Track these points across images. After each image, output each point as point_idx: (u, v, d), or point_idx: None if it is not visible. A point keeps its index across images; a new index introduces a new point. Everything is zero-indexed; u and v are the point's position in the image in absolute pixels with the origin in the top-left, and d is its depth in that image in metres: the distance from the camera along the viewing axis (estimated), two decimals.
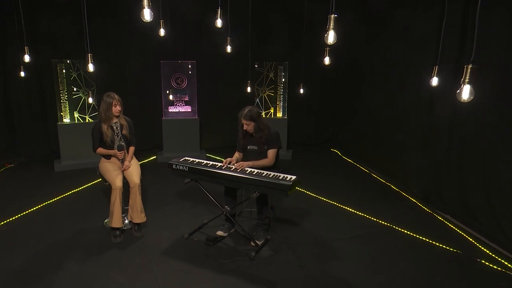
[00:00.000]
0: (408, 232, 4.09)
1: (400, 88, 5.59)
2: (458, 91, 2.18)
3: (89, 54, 3.50)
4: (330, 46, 3.23)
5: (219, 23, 4.10)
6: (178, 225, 4.19)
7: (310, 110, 8.04)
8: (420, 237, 3.97)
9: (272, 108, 7.20)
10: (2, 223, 4.18)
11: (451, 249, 3.73)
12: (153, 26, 6.37)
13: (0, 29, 6.23)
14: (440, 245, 3.81)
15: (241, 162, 3.74)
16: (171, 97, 6.79)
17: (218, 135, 7.63)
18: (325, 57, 3.61)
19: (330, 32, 2.27)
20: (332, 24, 2.23)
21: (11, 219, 4.29)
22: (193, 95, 6.90)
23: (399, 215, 4.56)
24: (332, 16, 2.21)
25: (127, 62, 6.88)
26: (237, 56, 6.01)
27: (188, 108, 6.94)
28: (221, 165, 3.72)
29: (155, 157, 6.97)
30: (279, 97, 7.17)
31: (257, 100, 7.17)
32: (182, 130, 6.85)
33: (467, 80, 2.13)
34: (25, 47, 5.05)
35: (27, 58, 5.13)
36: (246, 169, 3.60)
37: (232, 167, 3.66)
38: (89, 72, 3.93)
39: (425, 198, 4.99)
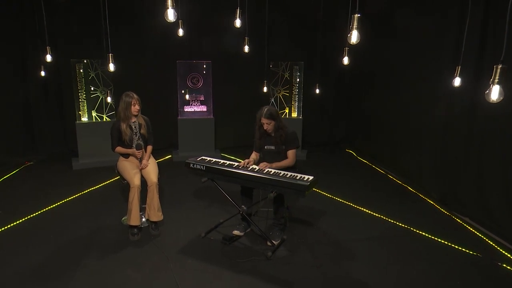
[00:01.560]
0: (426, 234, 4.04)
1: (417, 88, 5.52)
2: (487, 91, 2.13)
3: (110, 54, 3.55)
4: (349, 46, 3.22)
5: (238, 23, 4.11)
6: (194, 224, 4.22)
7: (325, 110, 8.00)
8: (438, 240, 3.92)
9: (287, 108, 7.19)
10: (22, 219, 4.27)
11: (471, 252, 3.67)
12: (170, 26, 6.47)
13: (20, 29, 6.35)
14: (459, 248, 3.75)
15: (264, 163, 3.71)
16: (187, 96, 6.83)
17: (232, 134, 7.65)
18: (344, 57, 3.59)
19: (353, 32, 2.25)
20: (355, 23, 2.22)
21: (31, 216, 4.37)
22: (209, 94, 6.93)
23: (416, 217, 4.51)
24: (356, 16, 2.19)
25: (144, 62, 6.95)
26: (253, 56, 6.01)
27: (203, 108, 6.97)
28: (238, 165, 3.73)
29: (170, 156, 7.02)
30: (294, 97, 7.16)
31: (272, 100, 7.16)
32: (197, 129, 6.90)
33: (496, 80, 2.08)
34: (47, 47, 5.14)
35: (49, 58, 5.22)
36: (264, 169, 3.60)
37: (255, 169, 3.63)
38: (109, 71, 3.97)
39: (442, 200, 4.92)
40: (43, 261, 3.42)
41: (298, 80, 7.08)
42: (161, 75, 7.07)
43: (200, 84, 6.87)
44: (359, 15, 2.18)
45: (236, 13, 4.04)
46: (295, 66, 7.03)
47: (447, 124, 4.88)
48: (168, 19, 2.27)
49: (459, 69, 3.28)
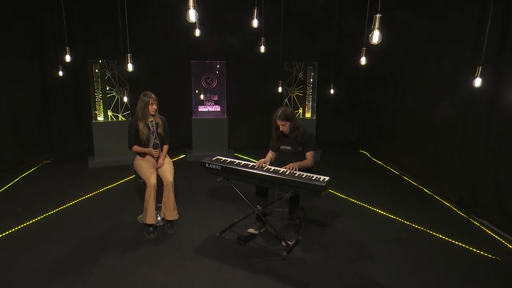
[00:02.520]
0: (442, 237, 3.98)
1: (434, 88, 5.45)
2: None
3: (129, 54, 3.59)
4: (367, 46, 3.20)
5: (255, 23, 4.11)
6: (209, 223, 4.24)
7: (338, 110, 7.96)
8: (456, 242, 3.87)
9: (301, 108, 7.18)
10: (40, 217, 4.34)
11: (489, 256, 3.61)
12: (185, 26, 6.50)
13: (39, 29, 6.46)
14: (477, 251, 3.69)
15: (290, 165, 3.64)
16: (202, 96, 6.87)
17: (246, 134, 7.67)
18: (361, 57, 3.57)
19: (375, 32, 2.23)
20: (377, 23, 2.20)
21: (49, 213, 4.45)
22: (222, 94, 6.96)
23: (433, 219, 4.45)
24: (378, 15, 2.18)
25: (158, 62, 7.01)
26: (267, 56, 6.01)
27: (217, 108, 7.00)
28: (254, 165, 3.74)
29: (184, 155, 7.07)
30: (308, 97, 7.13)
31: (286, 100, 7.15)
32: (211, 129, 6.93)
33: None
34: (66, 48, 5.21)
35: (68, 58, 5.29)
36: (279, 169, 3.60)
37: (280, 170, 3.61)
38: (128, 71, 4.02)
39: (459, 202, 4.85)
40: (62, 257, 3.48)
41: (312, 80, 7.05)
42: (175, 75, 7.12)
43: (214, 84, 6.90)
44: (381, 15, 2.16)
45: (254, 14, 4.05)
46: (309, 66, 7.00)
47: (465, 125, 4.81)
48: (189, 20, 2.29)
49: (480, 69, 3.22)
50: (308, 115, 7.18)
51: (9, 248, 3.64)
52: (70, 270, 3.28)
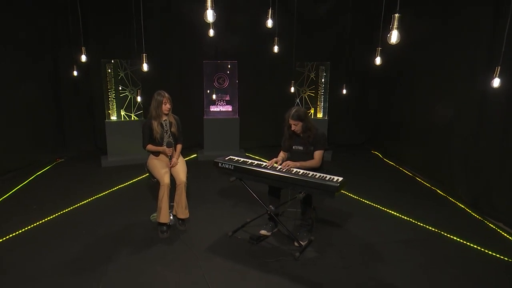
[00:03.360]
0: (457, 239, 3.94)
1: (448, 88, 5.39)
2: None
3: (144, 54, 3.62)
4: (382, 46, 3.17)
5: (269, 23, 4.11)
6: (221, 222, 4.25)
7: (350, 110, 7.92)
8: (470, 244, 3.82)
9: (313, 108, 7.15)
10: (55, 215, 4.40)
11: (505, 259, 3.55)
12: (198, 26, 6.54)
13: (53, 29, 6.55)
14: (493, 254, 3.64)
15: (287, 162, 3.73)
16: (214, 96, 6.89)
17: (257, 134, 7.67)
18: (376, 57, 3.54)
19: (393, 31, 2.22)
20: (396, 23, 2.18)
21: (63, 211, 4.51)
22: (234, 94, 6.97)
23: (447, 220, 4.40)
24: (396, 15, 2.16)
25: (171, 61, 7.05)
26: (279, 56, 6.01)
27: (229, 108, 7.02)
28: (266, 165, 3.74)
29: (195, 155, 7.10)
30: (319, 97, 7.11)
31: (297, 100, 7.14)
32: (222, 129, 6.95)
33: None
34: (82, 48, 5.27)
35: (83, 58, 5.36)
36: (292, 169, 3.60)
37: (277, 167, 3.67)
38: (143, 71, 4.05)
39: (474, 204, 4.78)
40: (77, 255, 3.52)
41: (324, 80, 7.02)
42: (187, 75, 7.16)
43: (226, 84, 6.92)
44: (399, 14, 2.15)
45: (268, 13, 4.05)
46: (321, 66, 6.98)
47: (480, 126, 4.74)
48: (207, 20, 2.30)
49: (498, 69, 3.17)
50: (319, 115, 7.15)
51: (25, 245, 3.70)
52: (85, 268, 3.31)
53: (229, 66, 6.86)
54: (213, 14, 2.29)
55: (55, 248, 3.65)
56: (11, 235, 3.86)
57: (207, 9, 2.23)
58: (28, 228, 4.04)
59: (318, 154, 3.79)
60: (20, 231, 3.96)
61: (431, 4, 5.63)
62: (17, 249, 3.62)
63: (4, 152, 5.62)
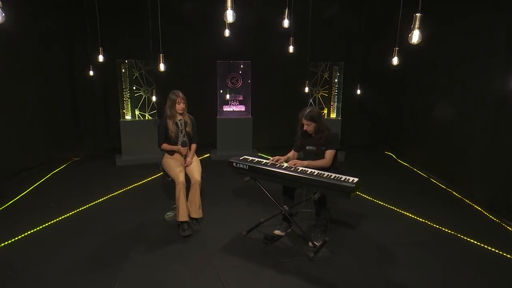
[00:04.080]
0: (474, 241, 3.88)
1: (464, 89, 5.32)
2: None
3: (161, 54, 3.65)
4: (399, 46, 3.15)
5: (286, 23, 4.11)
6: (234, 222, 4.27)
7: (364, 111, 7.87)
8: (488, 247, 3.76)
9: (326, 108, 7.13)
10: (72, 212, 4.47)
11: None
12: (212, 26, 6.58)
13: (70, 29, 6.64)
14: (511, 257, 3.58)
15: (294, 161, 3.72)
16: (228, 96, 6.92)
17: (270, 134, 7.68)
18: (393, 57, 3.51)
19: (414, 31, 2.20)
20: (417, 23, 2.16)
21: (80, 209, 4.58)
22: (247, 94, 6.99)
23: (463, 223, 4.34)
24: (418, 15, 2.14)
25: (185, 61, 7.10)
26: (292, 56, 6.00)
27: (242, 108, 7.03)
28: (281, 165, 3.74)
29: (209, 155, 7.13)
30: (333, 97, 7.08)
31: (311, 100, 7.12)
32: (235, 129, 6.97)
33: None
34: (100, 48, 5.33)
35: (101, 58, 5.43)
36: (307, 169, 3.59)
37: (284, 165, 3.65)
38: (160, 71, 4.09)
39: (490, 206, 4.71)
40: (93, 252, 3.57)
41: (337, 80, 6.99)
42: (201, 75, 7.19)
43: (240, 84, 6.94)
44: (421, 14, 2.13)
45: (285, 13, 4.05)
46: (335, 66, 6.95)
47: (497, 127, 4.67)
48: (227, 20, 2.31)
49: None
50: (333, 115, 7.13)
51: (43, 242, 3.77)
52: (102, 265, 3.36)
53: (241, 66, 6.88)
54: (233, 14, 2.30)
55: (72, 245, 3.70)
56: (29, 232, 3.93)
57: (227, 9, 2.24)
58: (45, 226, 4.11)
59: (329, 153, 3.77)
60: (37, 228, 4.03)
61: (451, 3, 5.56)
62: (34, 246, 3.68)
63: (22, 151, 5.72)
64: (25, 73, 5.75)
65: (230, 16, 2.26)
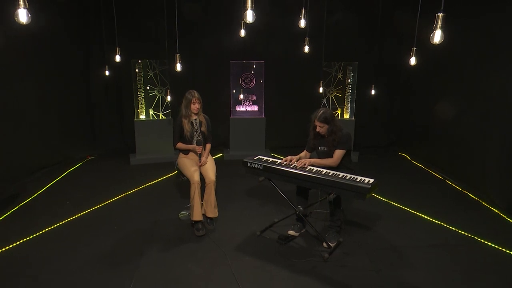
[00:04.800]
0: (492, 245, 3.81)
1: (482, 88, 5.22)
2: None
3: (178, 54, 3.67)
4: (414, 46, 3.11)
5: (302, 23, 4.10)
6: (248, 222, 4.27)
7: (378, 111, 7.80)
8: (507, 251, 3.69)
9: (339, 109, 7.08)
10: (87, 210, 4.52)
11: None
12: (226, 26, 6.59)
13: (86, 28, 6.72)
14: None
15: (303, 160, 3.70)
16: (241, 96, 6.93)
17: (283, 134, 7.66)
18: (411, 57, 3.47)
19: (436, 31, 2.17)
20: (440, 23, 2.13)
21: (95, 207, 4.63)
22: (260, 94, 6.98)
23: (480, 225, 4.27)
24: (441, 14, 2.11)
25: (198, 61, 7.12)
26: (306, 56, 5.98)
27: (255, 108, 7.03)
28: (295, 165, 3.72)
29: (221, 154, 7.15)
30: (347, 98, 7.03)
31: (324, 100, 7.08)
32: (248, 128, 6.97)
33: None
34: (117, 48, 5.38)
35: (118, 58, 5.48)
36: (322, 169, 3.57)
37: (294, 165, 3.63)
38: (176, 71, 4.11)
39: (508, 209, 4.62)
40: (109, 250, 3.61)
41: (348, 80, 6.94)
42: (214, 75, 7.21)
43: (253, 84, 6.94)
44: (444, 14, 2.09)
45: (301, 14, 4.03)
46: (349, 66, 6.90)
47: None
48: (247, 21, 2.31)
49: None
50: (346, 116, 7.07)
51: (59, 239, 3.82)
52: (118, 263, 3.39)
53: (254, 66, 6.88)
54: (253, 15, 2.30)
55: (88, 242, 3.75)
56: (45, 230, 3.99)
57: (247, 9, 2.24)
58: (62, 223, 4.16)
59: (337, 153, 3.72)
60: (54, 226, 4.09)
61: (468, 2, 5.47)
62: (51, 243, 3.74)
63: (39, 149, 5.81)
64: (43, 73, 5.84)
65: (250, 16, 2.26)
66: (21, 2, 2.14)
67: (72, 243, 3.73)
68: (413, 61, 3.41)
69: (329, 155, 3.79)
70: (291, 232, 3.90)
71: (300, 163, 3.67)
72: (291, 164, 3.70)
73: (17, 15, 2.17)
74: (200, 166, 4.06)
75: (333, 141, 3.72)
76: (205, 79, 7.21)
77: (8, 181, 5.10)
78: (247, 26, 6.30)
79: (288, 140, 7.64)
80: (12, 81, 5.19)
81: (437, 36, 2.23)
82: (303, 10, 4.05)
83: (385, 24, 6.78)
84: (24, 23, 2.22)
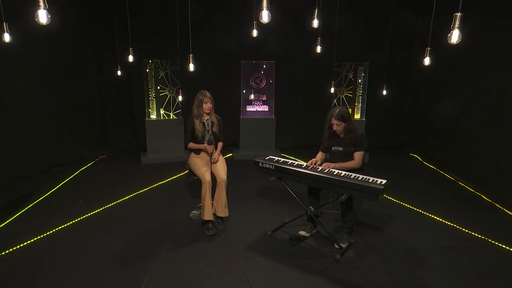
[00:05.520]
0: (507, 247, 3.76)
1: (495, 88, 5.15)
2: None
3: (191, 55, 3.69)
4: (428, 46, 3.08)
5: (315, 23, 4.09)
6: (259, 222, 4.27)
7: (389, 111, 7.74)
8: None
9: (350, 109, 7.03)
10: (100, 209, 4.57)
11: None
12: (238, 26, 6.60)
13: (98, 28, 6.78)
14: None
15: (327, 163, 3.69)
16: (252, 96, 6.93)
17: (293, 135, 7.65)
18: (425, 57, 3.44)
19: (454, 31, 2.14)
20: (457, 22, 2.11)
21: (107, 206, 4.67)
22: (271, 94, 6.98)
23: (495, 228, 4.20)
24: (458, 14, 2.09)
25: (209, 61, 7.13)
26: (317, 57, 5.95)
27: (265, 108, 7.03)
28: (306, 165, 3.71)
29: (231, 154, 7.16)
30: (357, 98, 6.99)
31: (335, 101, 7.05)
32: (258, 129, 6.97)
33: None
34: (130, 48, 5.42)
35: (131, 58, 5.51)
36: (334, 170, 3.56)
37: (318, 168, 3.63)
38: (189, 71, 4.13)
39: None
40: (122, 249, 3.64)
41: (359, 80, 6.90)
42: (225, 75, 7.22)
43: (263, 84, 6.94)
44: (461, 14, 2.07)
45: (314, 14, 4.02)
46: (360, 66, 6.86)
47: None
48: (262, 21, 2.31)
49: None
50: (357, 116, 7.04)
51: (73, 237, 3.87)
52: (130, 261, 3.42)
53: (264, 66, 6.88)
54: (269, 15, 2.30)
55: (101, 241, 3.78)
56: (59, 228, 4.04)
57: (263, 9, 2.24)
58: (75, 221, 4.21)
59: (358, 155, 3.73)
60: (67, 224, 4.13)
61: (481, 3, 5.40)
62: (65, 241, 3.78)
63: (50, 149, 5.88)
64: (56, 73, 5.91)
65: (265, 16, 2.26)
66: (41, 3, 2.17)
67: (85, 242, 3.77)
68: (427, 61, 3.38)
69: (345, 155, 3.76)
70: (302, 233, 3.90)
71: (326, 165, 3.64)
72: (315, 167, 3.67)
73: (37, 16, 2.20)
74: (212, 163, 4.07)
75: (350, 139, 3.71)
76: (215, 79, 7.22)
77: (22, 179, 5.18)
78: (258, 26, 6.32)
79: (298, 140, 7.63)
80: (26, 80, 5.27)
81: (455, 36, 2.20)
82: (316, 10, 4.03)
83: (396, 24, 6.72)
84: (44, 23, 2.25)
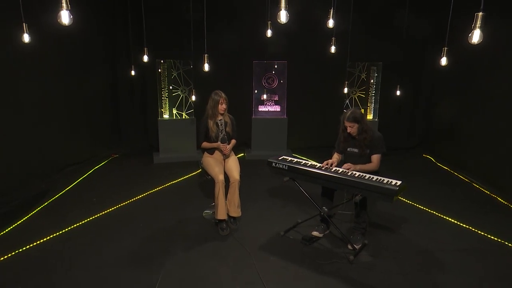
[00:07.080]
0: None
1: (508, 89, 5.08)
2: None
3: (205, 55, 3.71)
4: (445, 46, 3.05)
5: (331, 23, 4.08)
6: (271, 222, 4.27)
7: (402, 112, 7.68)
8: None
9: (363, 109, 7.00)
10: (113, 208, 4.62)
11: None
12: (250, 26, 6.61)
13: (113, 29, 6.85)
14: None
15: (349, 164, 3.66)
16: (264, 96, 6.94)
17: (305, 135, 7.63)
18: (442, 57, 3.41)
19: (475, 31, 2.12)
20: (479, 22, 2.08)
21: (120, 205, 4.72)
22: (283, 94, 6.98)
23: (510, 230, 4.14)
24: (480, 14, 2.06)
25: (221, 61, 7.16)
26: (330, 57, 5.93)
27: (277, 108, 7.03)
28: (320, 166, 3.71)
29: (243, 154, 7.17)
30: (370, 98, 6.95)
31: (347, 101, 7.02)
32: (270, 129, 6.98)
33: None
34: (145, 48, 5.46)
35: (145, 58, 5.56)
36: (346, 171, 3.54)
37: (339, 170, 3.59)
38: (204, 71, 4.16)
39: None
40: (136, 248, 3.67)
41: (371, 81, 6.86)
42: (237, 75, 7.24)
43: (275, 84, 6.94)
44: (483, 13, 2.04)
45: (330, 14, 4.01)
46: (373, 66, 6.82)
47: None
48: (280, 21, 2.32)
49: None
50: (369, 117, 6.99)
51: (87, 235, 3.92)
52: (144, 260, 3.45)
53: (275, 66, 6.88)
54: (287, 15, 2.30)
55: (115, 239, 3.83)
56: (73, 226, 4.09)
57: (281, 9, 2.24)
58: (89, 220, 4.27)
59: (376, 158, 3.70)
60: (82, 222, 4.19)
61: (499, 4, 5.33)
62: (80, 238, 3.83)
63: (66, 147, 5.96)
64: (71, 73, 5.99)
65: (283, 16, 2.27)
66: (64, 4, 2.21)
67: (99, 241, 3.81)
68: (444, 61, 3.34)
69: (361, 156, 3.73)
70: (315, 233, 3.89)
71: (347, 166, 3.61)
72: (332, 169, 3.65)
73: (60, 17, 2.24)
74: (224, 164, 4.08)
75: (365, 139, 3.68)
76: (227, 79, 7.24)
77: (39, 177, 5.27)
78: (271, 26, 6.32)
79: (310, 140, 7.62)
80: (42, 80, 5.35)
81: (476, 36, 2.17)
82: (332, 10, 4.02)
83: (409, 24, 6.66)
84: (67, 24, 2.29)
